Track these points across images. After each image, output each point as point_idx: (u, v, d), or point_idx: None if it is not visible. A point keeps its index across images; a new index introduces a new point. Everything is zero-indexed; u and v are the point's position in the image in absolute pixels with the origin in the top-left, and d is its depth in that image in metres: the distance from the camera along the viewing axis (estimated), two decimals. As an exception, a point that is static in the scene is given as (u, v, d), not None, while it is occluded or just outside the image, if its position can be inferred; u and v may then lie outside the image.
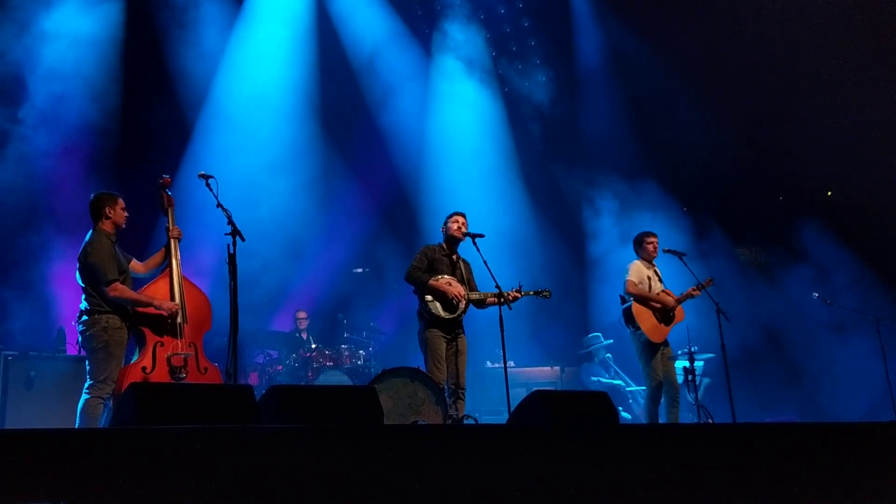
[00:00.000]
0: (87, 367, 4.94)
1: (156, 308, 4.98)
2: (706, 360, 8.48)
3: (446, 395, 5.84)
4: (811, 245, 9.90)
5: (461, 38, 10.88)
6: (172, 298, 5.11)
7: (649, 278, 6.77)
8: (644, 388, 7.30)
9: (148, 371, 4.87)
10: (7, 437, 2.65)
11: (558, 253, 10.52)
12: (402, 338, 8.92)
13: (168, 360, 4.95)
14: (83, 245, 5.05)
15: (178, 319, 5.06)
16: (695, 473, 3.69)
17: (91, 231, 5.13)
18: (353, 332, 8.86)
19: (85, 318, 4.95)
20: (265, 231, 8.29)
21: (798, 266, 9.83)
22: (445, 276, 6.07)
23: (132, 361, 4.98)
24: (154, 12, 9.14)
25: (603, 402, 4.36)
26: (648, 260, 6.87)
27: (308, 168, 9.77)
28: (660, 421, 6.61)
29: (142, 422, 3.10)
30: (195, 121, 9.28)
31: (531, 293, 6.31)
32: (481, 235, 6.20)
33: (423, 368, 5.94)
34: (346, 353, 8.36)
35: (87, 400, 4.83)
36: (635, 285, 6.65)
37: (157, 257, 5.35)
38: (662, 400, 6.63)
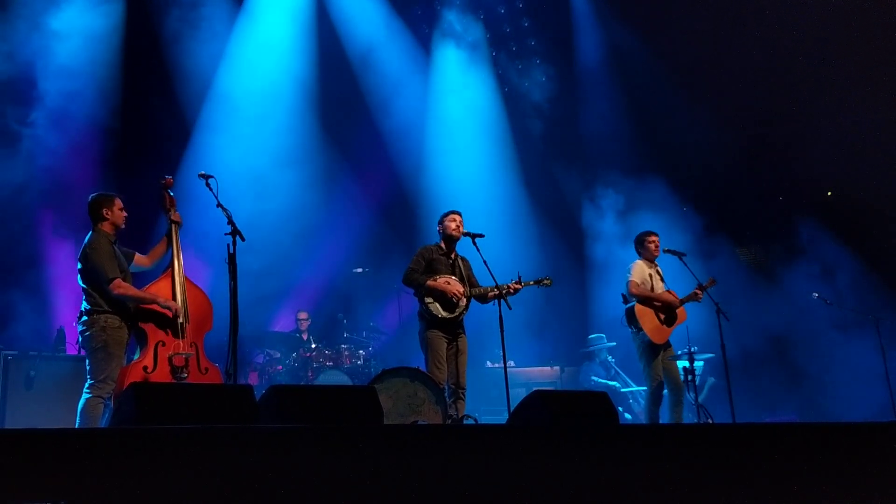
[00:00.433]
0: (88, 367, 4.94)
1: (160, 306, 4.99)
2: (706, 361, 8.48)
3: (446, 395, 5.84)
4: (811, 245, 9.91)
5: (461, 37, 10.88)
6: (174, 298, 5.11)
7: (651, 277, 6.77)
8: (644, 388, 7.30)
9: (149, 371, 4.87)
10: (7, 437, 2.65)
11: (558, 252, 10.52)
12: (402, 338, 8.92)
13: (169, 359, 4.95)
14: (83, 246, 5.06)
15: (180, 319, 5.06)
16: (695, 473, 3.69)
17: (90, 232, 5.14)
18: (353, 332, 8.86)
19: (84, 318, 4.96)
20: (265, 231, 8.29)
21: (798, 266, 9.83)
22: (444, 276, 6.06)
23: (133, 361, 4.98)
24: (155, 12, 9.14)
25: (603, 402, 4.36)
26: (650, 259, 6.87)
27: (308, 168, 9.77)
28: (661, 421, 6.61)
29: (142, 421, 3.10)
30: (195, 120, 9.29)
31: (531, 283, 6.30)
32: (481, 235, 6.19)
33: (423, 368, 5.93)
34: (346, 353, 8.36)
35: (87, 399, 4.83)
36: (638, 285, 6.65)
37: (160, 247, 5.36)
38: (664, 400, 6.63)
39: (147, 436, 2.74)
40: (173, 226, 5.30)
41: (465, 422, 5.87)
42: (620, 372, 9.07)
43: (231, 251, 4.90)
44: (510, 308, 5.98)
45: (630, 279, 6.68)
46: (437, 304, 5.98)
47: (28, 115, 8.02)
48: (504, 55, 11.45)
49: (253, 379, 8.30)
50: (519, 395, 6.70)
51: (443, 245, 6.27)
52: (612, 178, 10.46)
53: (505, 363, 6.01)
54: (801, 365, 9.76)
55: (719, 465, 3.80)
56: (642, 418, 8.12)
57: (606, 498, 3.39)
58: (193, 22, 9.24)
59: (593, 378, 8.90)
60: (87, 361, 4.95)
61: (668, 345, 6.70)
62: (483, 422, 7.21)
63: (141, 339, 5.03)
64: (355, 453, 3.04)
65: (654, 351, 6.59)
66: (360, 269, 9.53)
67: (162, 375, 4.87)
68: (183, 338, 5.03)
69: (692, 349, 7.31)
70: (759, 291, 10.12)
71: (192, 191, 6.51)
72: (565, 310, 10.09)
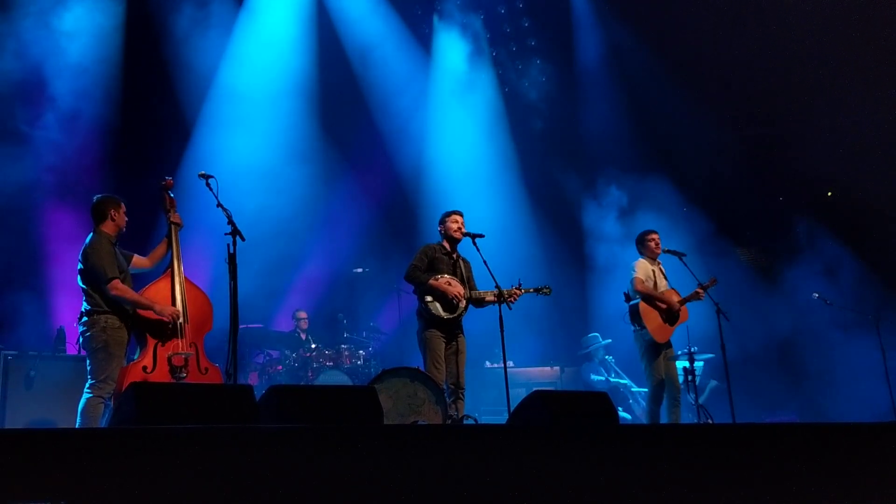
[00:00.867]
0: (88, 367, 4.95)
1: (156, 313, 5.00)
2: (707, 361, 8.48)
3: (446, 395, 5.84)
4: (811, 245, 9.90)
5: (461, 38, 10.88)
6: (174, 299, 5.12)
7: (655, 274, 6.78)
8: (644, 389, 7.29)
9: (148, 371, 4.88)
10: (7, 437, 2.65)
11: (558, 252, 10.52)
12: (402, 338, 8.92)
13: (169, 359, 4.95)
14: (83, 246, 5.07)
15: (180, 320, 5.07)
16: (695, 473, 3.69)
17: (92, 233, 5.15)
18: (353, 332, 8.86)
19: (85, 318, 4.98)
20: (265, 231, 8.29)
21: (798, 266, 9.82)
22: (445, 276, 6.06)
23: (133, 361, 4.99)
24: (156, 11, 9.14)
25: (603, 403, 4.37)
26: (652, 258, 6.88)
27: (308, 167, 9.76)
28: (661, 421, 6.61)
29: (142, 421, 3.10)
30: (195, 120, 9.29)
31: (531, 290, 6.30)
32: (481, 235, 6.19)
33: (422, 368, 5.93)
34: (346, 353, 8.36)
35: (87, 399, 4.84)
36: (643, 283, 6.65)
37: (160, 248, 5.37)
38: (664, 400, 6.63)
39: (147, 436, 2.74)
40: (173, 227, 5.32)
41: (465, 422, 5.87)
42: (620, 372, 9.07)
43: (231, 251, 4.91)
44: (510, 308, 5.98)
45: (635, 276, 6.69)
46: (438, 304, 5.98)
47: (28, 116, 8.02)
48: (504, 55, 11.45)
49: (253, 379, 8.30)
50: (519, 395, 6.71)
51: (445, 244, 6.27)
52: (612, 178, 10.45)
53: (505, 363, 6.01)
54: (802, 365, 9.76)
55: (719, 465, 3.80)
56: (642, 418, 8.12)
57: (606, 498, 3.39)
58: (194, 22, 9.24)
59: (594, 377, 8.90)
60: (88, 361, 4.97)
61: (668, 344, 6.70)
62: (483, 422, 7.21)
63: (140, 340, 5.05)
64: (355, 453, 3.04)
65: (655, 350, 6.60)
66: (360, 269, 9.52)
67: (161, 375, 4.88)
68: (182, 338, 5.04)
69: (692, 349, 7.32)
70: (760, 292, 10.12)
71: (192, 191, 6.51)
72: (565, 310, 10.08)
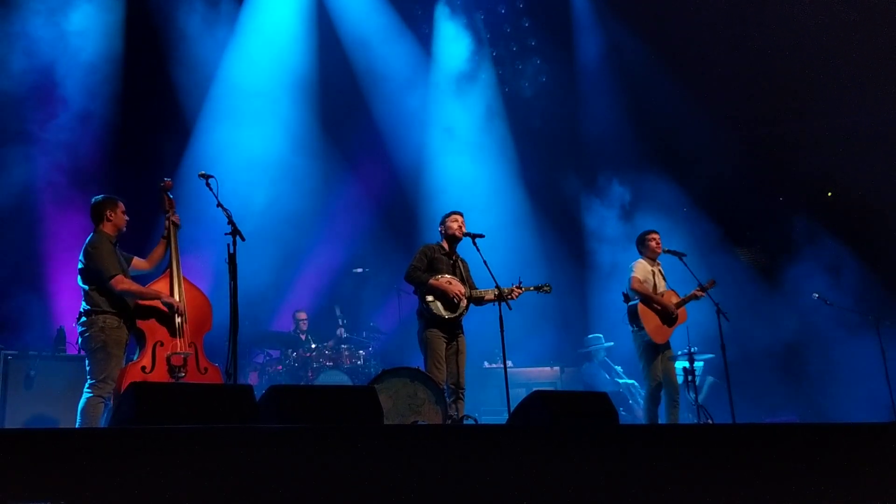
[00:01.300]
0: (87, 367, 4.96)
1: (162, 303, 5.00)
2: (706, 361, 8.48)
3: (446, 395, 5.84)
4: (811, 245, 9.89)
5: (461, 37, 10.87)
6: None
7: (653, 275, 6.78)
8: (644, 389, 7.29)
9: (147, 370, 4.88)
10: (7, 437, 2.65)
11: (558, 252, 10.52)
12: (402, 338, 8.92)
13: (167, 359, 4.95)
14: (84, 246, 5.09)
15: (179, 319, 5.07)
16: (695, 473, 3.69)
17: (92, 233, 5.17)
18: (353, 332, 8.86)
19: (83, 318, 5.00)
20: (265, 231, 8.29)
21: (798, 266, 9.82)
22: (445, 276, 6.07)
23: (132, 361, 4.99)
24: (156, 11, 9.15)
25: (602, 403, 4.37)
26: (652, 258, 6.88)
27: (308, 167, 9.77)
28: (659, 421, 6.61)
29: (142, 421, 3.10)
30: (195, 120, 9.29)
31: (532, 288, 6.29)
32: (481, 235, 6.19)
33: (422, 368, 5.93)
34: (346, 353, 8.36)
35: (87, 399, 4.85)
36: (640, 282, 6.65)
37: (159, 249, 5.38)
38: (662, 400, 6.63)
39: (147, 436, 2.74)
40: (172, 227, 5.31)
41: (465, 422, 5.87)
42: (621, 372, 9.07)
43: (231, 251, 4.91)
44: (510, 308, 5.98)
45: (632, 276, 6.68)
46: (439, 304, 5.98)
47: (28, 116, 8.01)
48: (504, 55, 11.44)
49: (253, 379, 8.30)
50: (519, 395, 6.71)
51: (445, 245, 6.27)
52: (612, 177, 10.45)
53: (505, 363, 6.01)
54: (801, 365, 9.76)
55: (719, 465, 3.80)
56: (642, 418, 8.12)
57: (606, 498, 3.39)
58: (194, 21, 9.24)
59: (594, 376, 8.90)
60: (87, 361, 4.97)
61: (667, 345, 6.70)
62: (483, 422, 7.20)
63: (139, 340, 5.05)
64: (355, 453, 3.04)
65: (654, 351, 6.59)
66: (360, 269, 9.52)
67: (160, 375, 4.88)
68: (181, 337, 5.04)
69: (692, 350, 7.32)
70: (760, 292, 10.12)
71: (192, 191, 6.51)
72: (565, 310, 10.08)
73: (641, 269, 6.74)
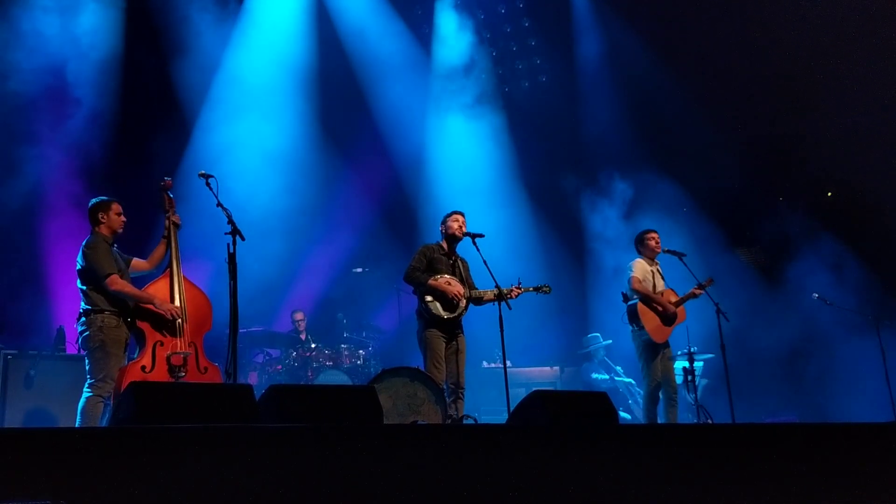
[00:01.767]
0: (87, 367, 4.96)
1: (156, 308, 5.00)
2: (706, 361, 8.48)
3: (446, 394, 5.84)
4: (811, 245, 9.89)
5: (461, 37, 10.87)
6: (172, 299, 5.11)
7: (652, 275, 6.78)
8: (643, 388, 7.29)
9: (147, 370, 4.87)
10: (7, 436, 2.65)
11: (558, 252, 10.52)
12: (401, 337, 8.91)
13: (167, 359, 4.95)
14: (81, 247, 5.10)
15: (179, 319, 5.07)
16: (694, 473, 3.69)
17: (89, 235, 5.20)
18: (353, 331, 8.86)
19: (83, 318, 5.01)
20: (265, 231, 8.29)
21: (798, 266, 9.82)
22: (445, 276, 6.07)
23: (132, 360, 4.99)
24: (156, 11, 9.15)
25: (602, 403, 4.37)
26: (651, 257, 6.87)
27: (308, 167, 9.77)
28: (658, 421, 6.61)
29: (142, 421, 3.10)
30: (195, 121, 9.29)
31: (531, 289, 6.30)
32: (481, 235, 6.19)
33: (422, 368, 5.93)
34: (346, 353, 8.36)
35: (87, 399, 4.85)
36: (640, 282, 6.65)
37: (159, 249, 5.37)
38: (661, 400, 6.63)
39: (147, 435, 2.74)
40: (172, 227, 5.32)
41: (464, 422, 5.87)
42: (621, 372, 9.08)
43: (231, 251, 4.91)
44: (510, 308, 5.98)
45: (632, 275, 6.68)
46: (438, 304, 5.98)
47: (28, 116, 8.00)
48: (504, 55, 11.44)
49: (253, 378, 8.30)
50: (518, 395, 6.70)
51: (444, 245, 6.27)
52: (612, 177, 10.45)
53: (504, 363, 6.01)
54: (801, 365, 9.76)
55: (719, 465, 3.80)
56: (641, 418, 8.12)
57: (606, 498, 3.39)
58: (193, 22, 9.24)
59: (595, 375, 8.90)
60: (87, 361, 4.97)
61: (666, 344, 6.70)
62: (483, 422, 7.20)
63: (139, 339, 5.05)
64: (355, 453, 3.03)
65: (654, 350, 6.59)
66: (359, 269, 9.52)
67: (160, 375, 4.88)
68: (181, 337, 5.04)
69: (692, 349, 7.31)
70: (759, 292, 10.12)
71: (192, 190, 6.51)
72: (565, 310, 10.08)
73: (640, 268, 6.74)
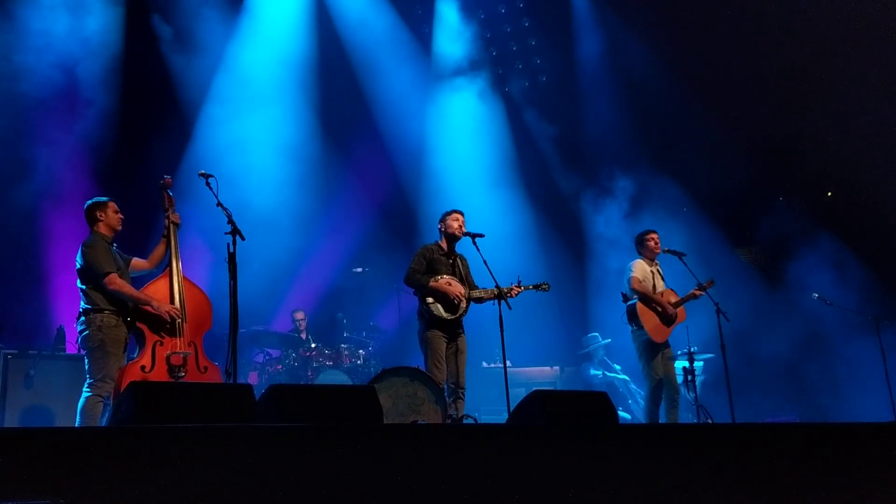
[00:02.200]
0: (87, 366, 4.96)
1: (153, 309, 4.99)
2: (706, 361, 8.48)
3: (446, 394, 5.84)
4: (811, 245, 9.89)
5: (461, 37, 10.87)
6: (172, 298, 5.11)
7: (652, 275, 6.77)
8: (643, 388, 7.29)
9: (147, 370, 4.87)
10: (6, 436, 2.65)
11: (558, 252, 10.52)
12: (401, 337, 8.92)
13: (167, 358, 4.95)
14: (80, 246, 5.10)
15: (178, 319, 5.06)
16: (694, 473, 3.69)
17: (88, 234, 5.20)
18: (353, 331, 8.85)
19: (82, 318, 5.00)
20: (265, 230, 8.29)
21: (798, 266, 9.82)
22: (445, 276, 6.06)
23: (132, 360, 4.99)
24: (156, 11, 9.16)
25: (602, 402, 4.37)
26: (650, 258, 6.87)
27: (308, 167, 9.77)
28: (659, 421, 6.61)
29: (141, 420, 3.10)
30: (195, 120, 9.29)
31: (530, 287, 6.29)
32: (481, 235, 6.19)
33: (422, 368, 5.93)
34: (346, 353, 8.36)
35: (87, 398, 4.84)
36: (640, 282, 6.65)
37: (159, 248, 5.37)
38: (662, 400, 6.63)
39: (146, 435, 2.74)
40: (172, 226, 5.31)
41: (464, 421, 5.87)
42: (617, 367, 9.08)
43: (231, 250, 4.90)
44: (510, 308, 5.98)
45: (632, 275, 6.68)
46: (439, 305, 5.98)
47: (28, 114, 8.00)
48: (504, 54, 11.44)
49: (252, 378, 8.30)
50: (518, 395, 6.70)
51: (443, 244, 6.26)
52: (612, 177, 10.45)
53: (504, 363, 6.01)
54: (801, 365, 9.75)
55: (719, 465, 3.80)
56: (642, 418, 8.12)
57: (606, 498, 3.39)
58: (193, 23, 9.25)
59: (593, 372, 8.91)
60: (86, 360, 4.97)
61: (666, 344, 6.70)
62: (483, 421, 7.20)
63: (139, 339, 5.05)
64: (355, 453, 3.03)
65: (654, 350, 6.59)
66: (359, 269, 9.52)
67: (160, 374, 4.88)
68: (181, 337, 5.04)
69: (692, 349, 7.31)
70: (759, 292, 10.12)
71: (191, 189, 6.51)
72: (565, 310, 10.08)
73: (640, 268, 6.74)
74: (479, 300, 6.15)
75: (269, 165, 9.34)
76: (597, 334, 9.19)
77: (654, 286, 6.74)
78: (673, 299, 6.73)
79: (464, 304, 6.03)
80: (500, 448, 3.41)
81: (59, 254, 7.69)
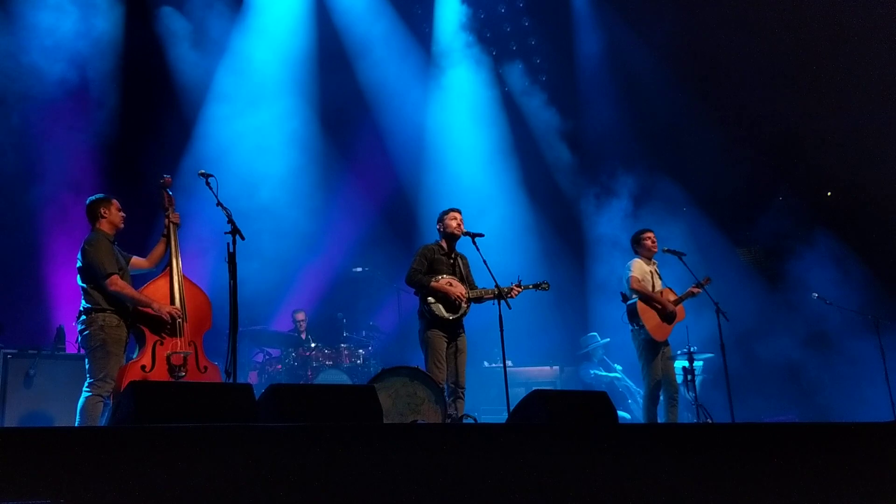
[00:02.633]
0: (87, 366, 4.95)
1: (154, 311, 4.99)
2: (705, 360, 8.48)
3: (446, 394, 5.84)
4: (811, 245, 9.90)
5: (461, 37, 10.87)
6: (172, 298, 5.11)
7: (651, 274, 6.77)
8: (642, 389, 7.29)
9: (147, 369, 4.87)
10: (6, 436, 2.65)
11: (558, 252, 10.52)
12: (401, 337, 8.92)
13: (167, 358, 4.95)
14: (82, 244, 5.08)
15: (179, 319, 5.06)
16: (694, 473, 3.69)
17: (90, 232, 5.17)
18: (353, 331, 8.86)
19: (83, 317, 4.98)
20: (265, 230, 8.29)
21: (798, 266, 9.82)
22: (446, 277, 6.06)
23: (132, 360, 4.98)
24: (155, 12, 9.16)
25: (601, 402, 4.37)
26: (648, 257, 6.87)
27: (308, 167, 9.77)
28: (658, 420, 6.61)
29: (141, 420, 3.10)
30: (195, 120, 9.29)
31: (530, 286, 6.29)
32: (481, 235, 6.18)
33: (422, 368, 5.93)
34: (346, 353, 8.36)
35: (86, 398, 4.83)
36: (639, 281, 6.65)
37: (159, 248, 5.36)
38: (661, 399, 6.63)
39: (146, 435, 2.74)
40: (171, 226, 5.31)
41: (464, 421, 5.87)
42: (620, 371, 9.07)
43: (231, 250, 4.90)
44: (510, 308, 5.98)
45: (630, 275, 6.68)
46: (440, 305, 5.98)
47: (28, 113, 8.00)
48: (504, 54, 11.44)
49: (252, 378, 8.30)
50: (518, 394, 6.70)
51: (443, 244, 6.26)
52: (612, 177, 10.45)
53: (504, 363, 6.01)
54: (801, 365, 9.76)
55: (719, 465, 3.80)
56: (641, 418, 8.12)
57: (606, 498, 3.39)
58: (193, 23, 9.25)
59: (592, 371, 8.91)
60: (86, 360, 4.96)
61: (666, 343, 6.70)
62: (482, 421, 7.21)
63: (139, 339, 5.04)
64: (354, 452, 3.03)
65: (654, 349, 6.59)
66: (359, 269, 9.52)
67: (160, 374, 4.88)
68: (181, 337, 5.03)
69: (692, 349, 7.31)
70: (759, 292, 10.12)
71: (192, 189, 6.51)
72: (565, 310, 10.08)
73: (639, 268, 6.74)
74: (480, 300, 6.14)
75: (269, 165, 9.34)
76: (595, 334, 9.19)
77: (652, 285, 6.74)
78: (672, 298, 6.73)
79: (465, 305, 6.03)
80: (500, 448, 3.41)
81: (59, 253, 7.69)
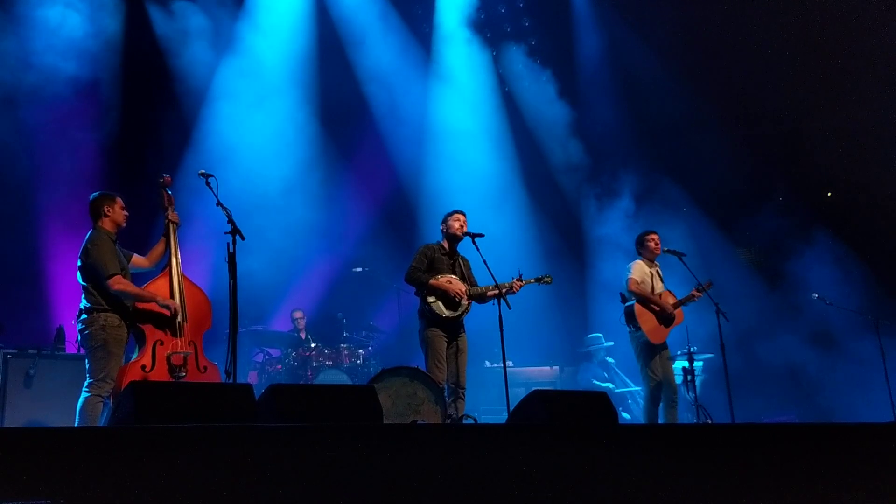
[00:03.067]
0: (87, 366, 4.94)
1: (159, 305, 4.98)
2: (705, 361, 8.47)
3: (446, 394, 5.84)
4: (811, 245, 9.90)
5: (461, 37, 10.87)
6: (172, 297, 5.10)
7: (651, 277, 6.76)
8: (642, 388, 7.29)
9: (147, 369, 4.87)
10: (6, 436, 2.65)
11: (558, 252, 10.51)
12: (401, 337, 8.92)
13: (167, 358, 4.95)
14: (83, 243, 5.05)
15: (178, 318, 5.06)
16: (694, 473, 3.69)
17: (91, 230, 5.14)
18: (353, 331, 8.86)
19: (84, 316, 4.95)
20: (265, 230, 8.29)
21: (798, 267, 9.82)
22: (446, 275, 6.07)
23: (132, 360, 4.98)
24: (155, 12, 9.16)
25: (601, 402, 4.36)
26: (650, 259, 6.86)
27: (308, 167, 9.77)
28: (658, 421, 6.60)
29: (141, 420, 3.10)
30: (195, 119, 9.29)
31: (532, 281, 6.30)
32: (481, 235, 6.19)
33: (422, 367, 5.93)
34: (346, 353, 8.36)
35: (86, 398, 4.82)
36: (638, 284, 6.64)
37: (158, 247, 5.35)
38: (661, 400, 6.63)
39: (146, 435, 2.74)
40: (171, 225, 5.30)
41: (464, 421, 5.86)
42: (619, 372, 9.07)
43: (231, 250, 4.90)
44: (510, 308, 5.98)
45: (630, 277, 6.67)
46: (440, 303, 5.98)
47: (28, 113, 8.00)
48: (504, 54, 11.44)
49: (252, 378, 8.30)
50: (518, 394, 6.70)
51: (444, 244, 6.27)
52: (612, 177, 10.44)
53: (504, 363, 6.01)
54: (801, 365, 9.76)
55: (719, 465, 3.80)
56: (641, 419, 8.12)
57: (605, 498, 3.39)
58: (194, 21, 9.25)
59: (596, 382, 8.90)
60: (87, 360, 4.95)
61: (664, 345, 6.69)
62: (482, 421, 7.20)
63: (139, 339, 5.04)
64: (354, 452, 3.03)
65: (651, 351, 6.59)
66: (359, 269, 9.52)
67: (160, 374, 4.87)
68: (181, 336, 5.03)
69: (691, 349, 7.31)
70: (759, 292, 10.12)
71: (195, 188, 6.50)
72: (565, 309, 10.08)
73: (639, 270, 6.73)
74: (481, 297, 6.14)
75: (269, 165, 9.33)
76: (600, 335, 9.17)
77: (652, 288, 6.73)
78: (671, 301, 6.72)
79: (465, 302, 6.03)
80: (500, 448, 3.41)
81: (59, 253, 7.68)
